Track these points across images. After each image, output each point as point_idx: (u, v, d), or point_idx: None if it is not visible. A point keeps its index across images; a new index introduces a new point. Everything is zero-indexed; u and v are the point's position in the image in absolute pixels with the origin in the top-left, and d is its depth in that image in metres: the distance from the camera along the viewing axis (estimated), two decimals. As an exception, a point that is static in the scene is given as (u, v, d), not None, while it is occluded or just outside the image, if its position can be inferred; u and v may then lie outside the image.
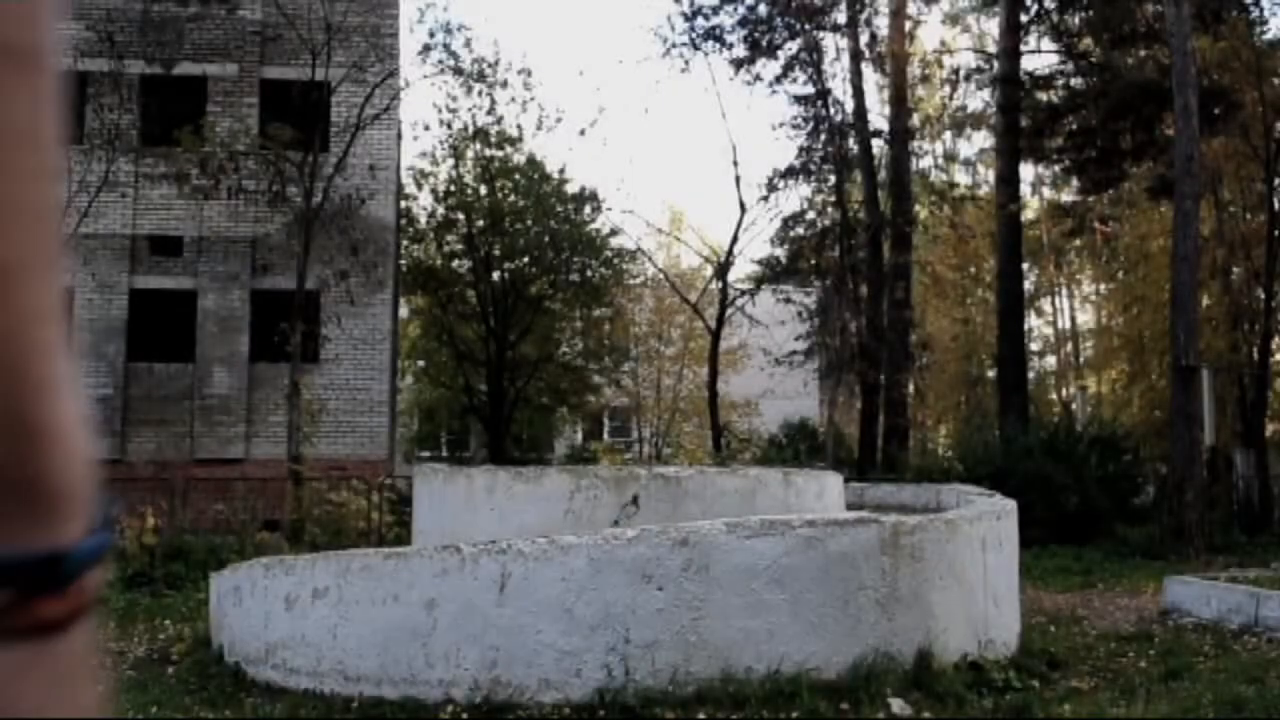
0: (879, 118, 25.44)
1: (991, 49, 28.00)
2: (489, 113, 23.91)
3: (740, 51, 23.78)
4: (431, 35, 30.51)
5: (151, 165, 17.71)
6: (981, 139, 36.12)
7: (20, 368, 0.46)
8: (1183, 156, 14.58)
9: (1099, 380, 33.30)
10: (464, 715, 5.01)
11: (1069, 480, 15.97)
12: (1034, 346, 37.45)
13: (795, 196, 39.86)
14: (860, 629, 5.42)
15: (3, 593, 0.38)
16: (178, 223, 18.09)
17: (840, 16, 23.77)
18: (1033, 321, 37.65)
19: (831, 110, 23.58)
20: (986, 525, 6.32)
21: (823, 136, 23.56)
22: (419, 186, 25.24)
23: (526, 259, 24.56)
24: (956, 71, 27.50)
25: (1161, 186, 19.92)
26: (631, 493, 6.84)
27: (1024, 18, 23.17)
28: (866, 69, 24.28)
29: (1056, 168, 29.84)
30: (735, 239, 24.27)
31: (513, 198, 24.45)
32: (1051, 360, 40.31)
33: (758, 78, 24.36)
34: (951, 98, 28.30)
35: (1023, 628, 6.86)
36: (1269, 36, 20.79)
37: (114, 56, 16.76)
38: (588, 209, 25.26)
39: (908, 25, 25.03)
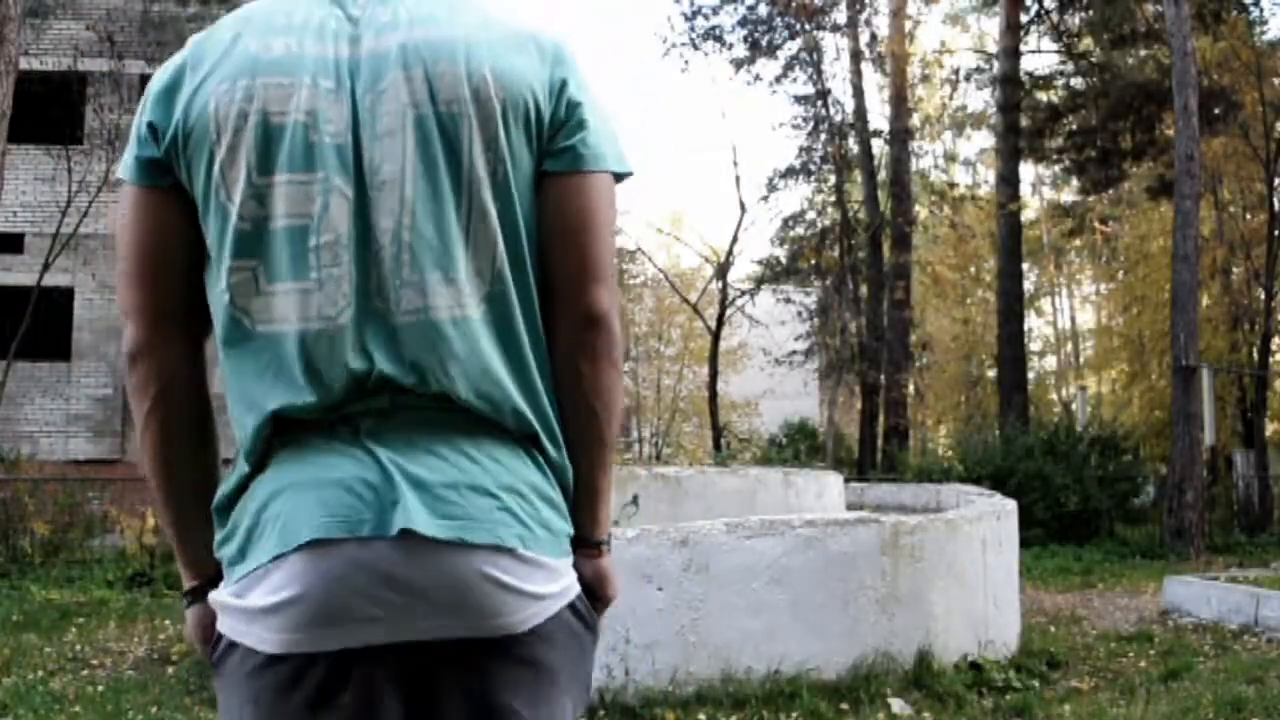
0: (879, 118, 25.46)
1: (991, 49, 28.00)
2: (489, 113, 23.89)
3: (740, 51, 23.78)
4: (431, 35, 30.53)
5: (151, 165, 17.72)
6: (981, 139, 36.15)
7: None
8: (1183, 156, 14.58)
9: (1099, 380, 33.31)
10: (464, 715, 5.01)
11: (1069, 480, 15.96)
12: (1034, 346, 37.45)
13: (795, 196, 39.96)
14: (860, 629, 5.42)
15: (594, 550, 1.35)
16: (178, 223, 18.09)
17: (840, 16, 23.78)
18: (1033, 321, 37.65)
19: (831, 110, 23.60)
20: (986, 525, 6.32)
21: (823, 136, 23.58)
22: (419, 186, 25.26)
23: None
24: (956, 71, 27.51)
25: (1161, 186, 19.92)
26: (631, 493, 6.84)
27: (1024, 18, 23.17)
28: (866, 69, 24.29)
29: (1056, 168, 29.84)
30: (735, 239, 24.27)
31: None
32: (1051, 360, 40.32)
33: (758, 78, 24.39)
34: (951, 98, 28.31)
35: (1023, 628, 6.86)
36: (1269, 36, 20.80)
37: (114, 56, 16.75)
38: (588, 209, 25.28)
39: (908, 25, 25.03)
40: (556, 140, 1.27)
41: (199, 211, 1.24)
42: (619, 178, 1.31)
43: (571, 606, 1.25)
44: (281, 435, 1.22)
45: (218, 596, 1.22)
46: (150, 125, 1.25)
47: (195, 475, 1.33)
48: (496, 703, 1.19)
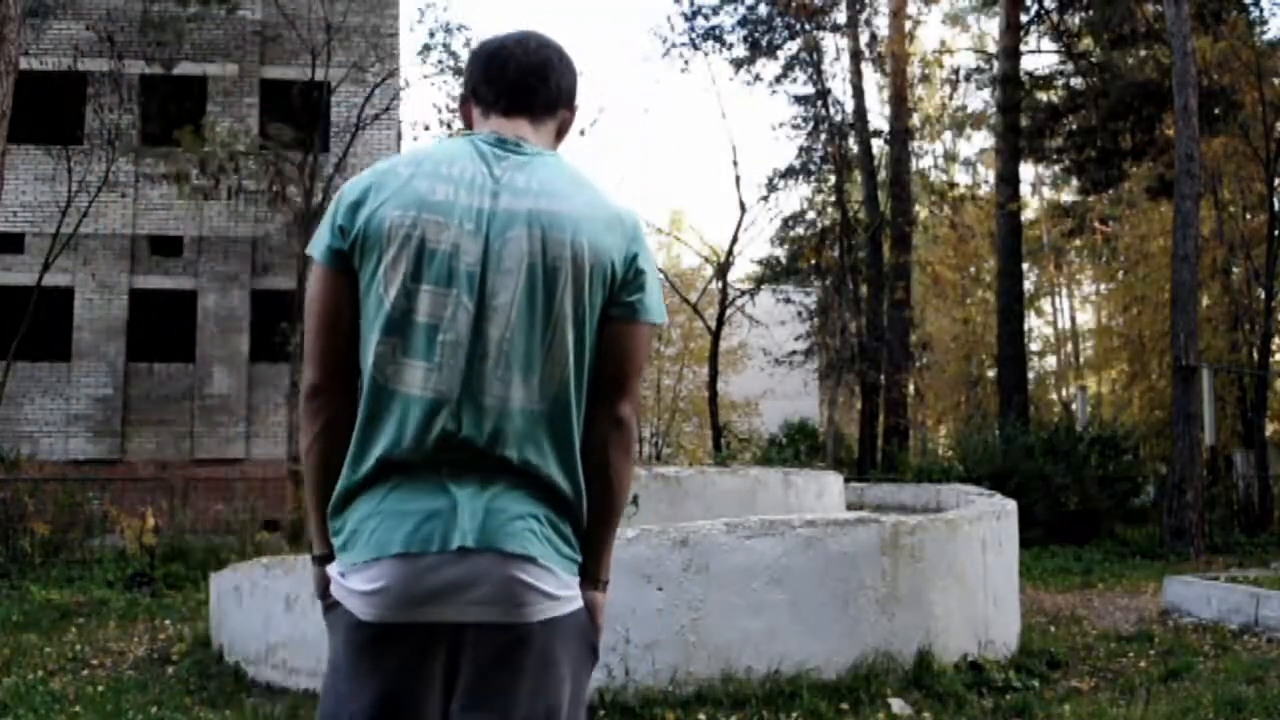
0: (879, 118, 25.44)
1: (991, 49, 27.99)
2: (489, 113, 23.89)
3: (740, 51, 23.78)
4: (431, 35, 30.40)
5: (151, 165, 17.71)
6: (981, 139, 36.15)
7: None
8: (1183, 156, 14.58)
9: (1099, 380, 33.31)
10: (464, 715, 5.00)
11: (1069, 480, 15.97)
12: (1034, 346, 37.44)
13: (795, 196, 39.98)
14: (860, 629, 5.42)
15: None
16: (178, 223, 18.08)
17: (840, 16, 23.76)
18: (1033, 321, 37.64)
19: (831, 110, 23.59)
20: (986, 525, 6.31)
21: (823, 136, 23.56)
22: (419, 186, 25.23)
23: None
24: (956, 71, 27.51)
25: (1161, 186, 19.92)
26: (631, 493, 6.83)
27: (1024, 18, 23.16)
28: (866, 69, 24.27)
29: (1056, 168, 29.83)
30: (735, 239, 24.25)
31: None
32: (1051, 360, 40.32)
33: (758, 78, 24.39)
34: (951, 98, 28.30)
35: (1023, 628, 6.86)
36: (1269, 36, 20.80)
37: (114, 56, 16.75)
38: (588, 209, 25.23)
39: (908, 25, 25.01)
40: (622, 295, 1.78)
41: (361, 293, 1.74)
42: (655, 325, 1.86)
43: (577, 615, 1.75)
44: (384, 469, 1.70)
45: (331, 570, 1.77)
46: (341, 227, 1.75)
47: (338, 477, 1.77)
48: (518, 676, 1.69)
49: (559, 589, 1.71)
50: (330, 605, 1.78)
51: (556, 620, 1.70)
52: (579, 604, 1.75)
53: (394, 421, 1.69)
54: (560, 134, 1.93)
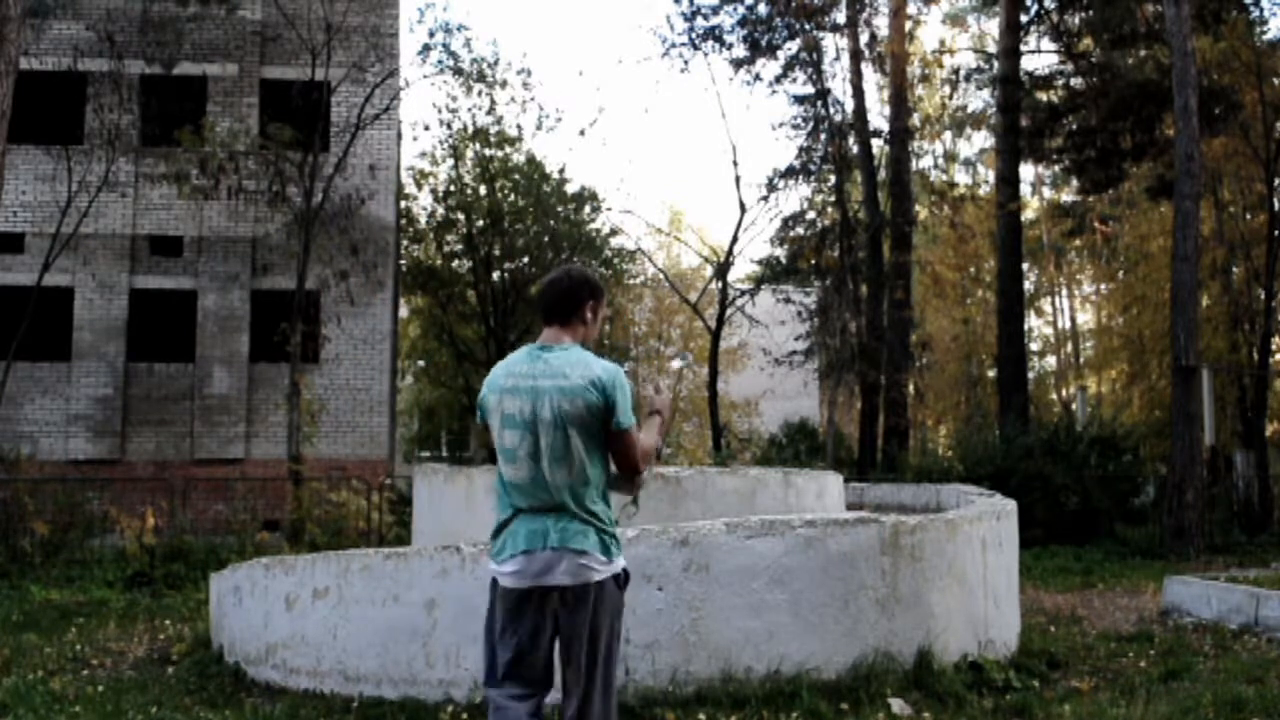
0: (879, 118, 25.42)
1: (991, 49, 28.00)
2: (489, 113, 23.91)
3: (740, 51, 23.76)
4: (431, 35, 30.44)
5: (151, 165, 17.71)
6: (981, 139, 36.18)
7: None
8: (1183, 156, 14.58)
9: (1099, 380, 33.30)
10: (464, 715, 5.01)
11: (1069, 480, 15.96)
12: (1034, 346, 37.42)
13: (795, 196, 39.93)
14: (860, 629, 5.42)
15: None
16: (178, 223, 18.08)
17: (840, 16, 23.74)
18: (1033, 321, 37.63)
19: (831, 110, 23.57)
20: (986, 525, 6.31)
21: (823, 136, 23.54)
22: (419, 186, 25.20)
23: (526, 259, 24.52)
24: (956, 71, 27.51)
25: (1161, 186, 19.91)
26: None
27: (1024, 18, 23.14)
28: (866, 69, 24.25)
29: (1056, 168, 29.84)
30: (735, 239, 24.25)
31: (513, 198, 24.42)
32: (1051, 360, 40.31)
33: (758, 78, 24.36)
34: (951, 98, 28.30)
35: (1023, 628, 6.85)
36: (1269, 36, 20.81)
37: (114, 56, 16.74)
38: (588, 209, 25.20)
39: (908, 25, 24.99)
40: (609, 418, 3.34)
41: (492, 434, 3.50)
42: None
43: (604, 583, 3.33)
44: (514, 515, 3.37)
45: (490, 566, 3.41)
46: (479, 405, 3.52)
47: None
48: (583, 610, 3.30)
49: (602, 566, 3.32)
50: (494, 583, 3.39)
51: (603, 582, 3.32)
52: (615, 572, 3.36)
53: (509, 494, 3.37)
54: (589, 318, 3.54)
